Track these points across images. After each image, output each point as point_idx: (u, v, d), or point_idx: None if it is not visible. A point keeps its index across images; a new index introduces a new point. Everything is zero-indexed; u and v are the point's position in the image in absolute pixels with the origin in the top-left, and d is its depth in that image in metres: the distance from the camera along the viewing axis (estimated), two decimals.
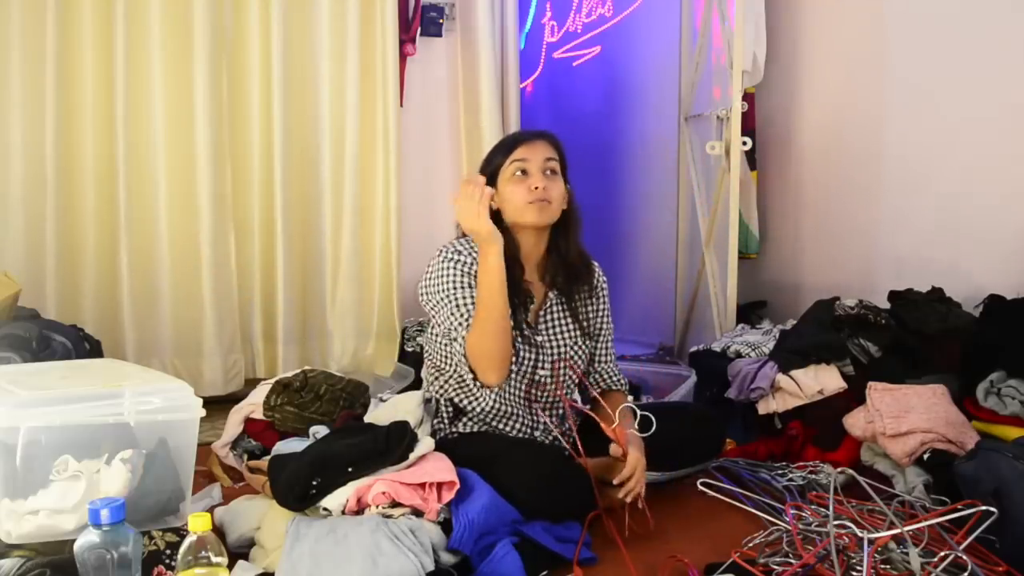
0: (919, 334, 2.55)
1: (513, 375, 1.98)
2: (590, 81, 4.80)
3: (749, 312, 3.49)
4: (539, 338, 2.01)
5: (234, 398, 2.68)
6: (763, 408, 2.48)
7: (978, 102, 2.77)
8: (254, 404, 2.42)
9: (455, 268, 1.93)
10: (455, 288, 1.91)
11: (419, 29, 3.53)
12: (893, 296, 2.72)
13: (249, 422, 2.40)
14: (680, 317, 4.02)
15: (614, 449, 1.87)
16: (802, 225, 3.58)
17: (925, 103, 2.97)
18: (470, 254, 1.95)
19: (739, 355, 2.73)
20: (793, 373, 2.44)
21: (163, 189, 3.15)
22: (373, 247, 3.46)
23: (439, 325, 1.96)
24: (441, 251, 1.97)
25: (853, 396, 2.35)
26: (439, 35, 3.63)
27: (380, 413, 2.11)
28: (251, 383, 2.88)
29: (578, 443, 1.89)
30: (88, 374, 1.82)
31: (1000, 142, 2.71)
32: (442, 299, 1.92)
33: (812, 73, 3.51)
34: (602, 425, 1.91)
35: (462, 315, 1.89)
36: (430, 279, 1.96)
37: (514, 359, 1.96)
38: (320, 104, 3.37)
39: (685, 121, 3.93)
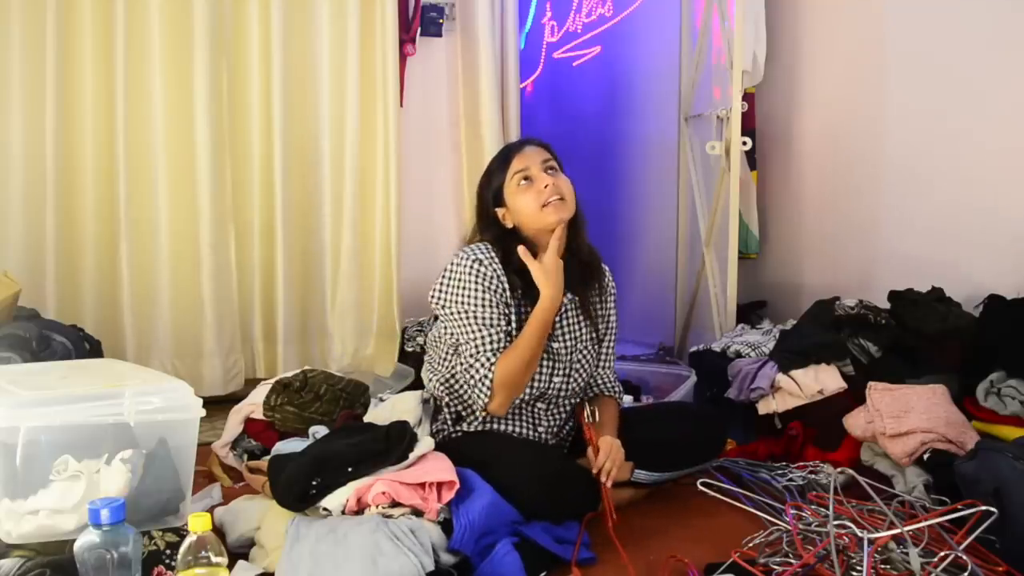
0: (919, 334, 2.55)
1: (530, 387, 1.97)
2: (590, 81, 4.80)
3: (749, 312, 3.49)
4: (555, 344, 1.98)
5: (234, 398, 2.69)
6: (763, 408, 2.48)
7: (978, 102, 2.77)
8: (254, 404, 2.42)
9: (477, 281, 1.87)
10: (477, 306, 1.86)
11: (419, 29, 3.52)
12: (893, 296, 2.72)
13: (249, 422, 2.40)
14: (680, 317, 4.02)
15: (590, 453, 1.89)
16: (802, 225, 3.58)
17: (925, 103, 2.97)
18: (491, 264, 1.89)
19: (739, 355, 2.73)
20: (793, 373, 2.44)
21: (163, 189, 3.14)
22: (373, 247, 3.46)
23: (458, 340, 1.91)
24: (462, 255, 1.90)
25: (853, 396, 2.35)
26: (439, 35, 3.63)
27: (378, 413, 2.11)
28: (251, 383, 2.88)
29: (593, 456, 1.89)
30: (88, 374, 1.82)
31: (1000, 142, 2.71)
32: (462, 314, 1.87)
33: (812, 73, 3.51)
34: (582, 424, 1.93)
35: (485, 337, 1.86)
36: (450, 285, 1.89)
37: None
38: (320, 104, 3.36)
39: (685, 121, 3.93)
